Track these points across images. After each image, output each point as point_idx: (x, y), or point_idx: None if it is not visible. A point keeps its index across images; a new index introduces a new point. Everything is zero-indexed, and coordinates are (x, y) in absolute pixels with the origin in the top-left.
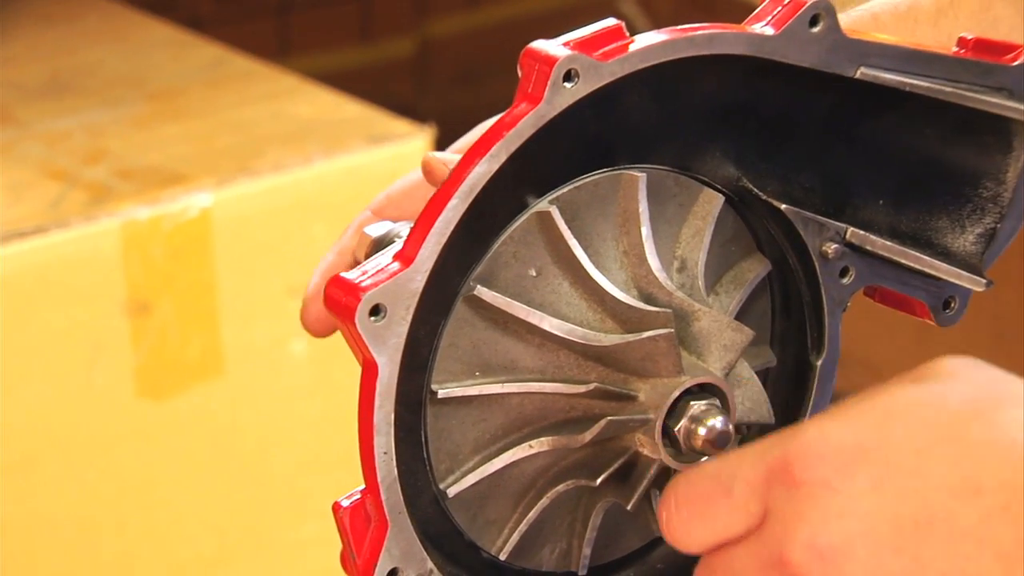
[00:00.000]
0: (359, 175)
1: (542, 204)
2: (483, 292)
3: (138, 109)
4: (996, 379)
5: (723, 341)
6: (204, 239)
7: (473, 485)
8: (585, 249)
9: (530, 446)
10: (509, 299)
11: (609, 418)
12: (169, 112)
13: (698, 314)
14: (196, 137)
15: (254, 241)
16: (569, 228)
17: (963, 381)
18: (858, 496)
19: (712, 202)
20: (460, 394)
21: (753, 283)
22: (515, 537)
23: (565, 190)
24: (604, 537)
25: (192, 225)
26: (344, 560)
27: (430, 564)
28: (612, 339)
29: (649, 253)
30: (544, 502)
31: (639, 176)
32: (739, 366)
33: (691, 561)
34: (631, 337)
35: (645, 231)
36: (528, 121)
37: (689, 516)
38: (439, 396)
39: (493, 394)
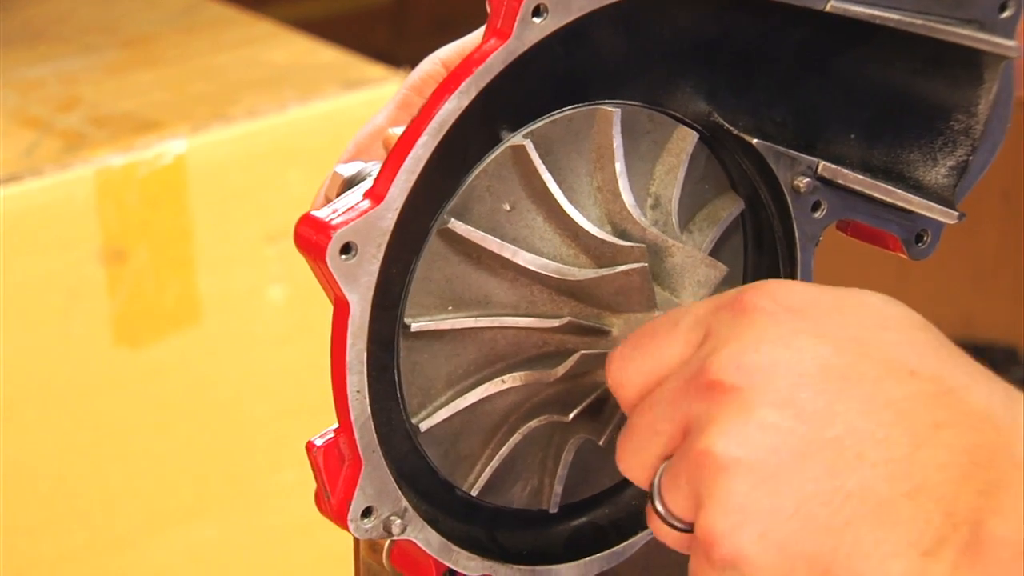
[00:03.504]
0: (334, 120)
1: (516, 138)
2: (457, 225)
3: (112, 56)
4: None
5: (697, 277)
6: (179, 186)
7: (445, 420)
8: (559, 184)
9: (503, 381)
10: (483, 233)
11: (582, 352)
12: (143, 59)
13: (671, 250)
14: (170, 84)
15: (229, 187)
16: (543, 163)
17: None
18: (797, 333)
19: (686, 139)
20: (433, 327)
21: (726, 221)
22: (487, 473)
23: (540, 124)
24: (575, 475)
25: (167, 172)
26: (319, 500)
27: (404, 503)
28: (586, 273)
29: (623, 188)
30: (516, 438)
31: (613, 111)
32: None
33: None
34: (604, 271)
35: (619, 166)
36: (498, 57)
37: (633, 349)
38: (412, 329)
39: (466, 328)
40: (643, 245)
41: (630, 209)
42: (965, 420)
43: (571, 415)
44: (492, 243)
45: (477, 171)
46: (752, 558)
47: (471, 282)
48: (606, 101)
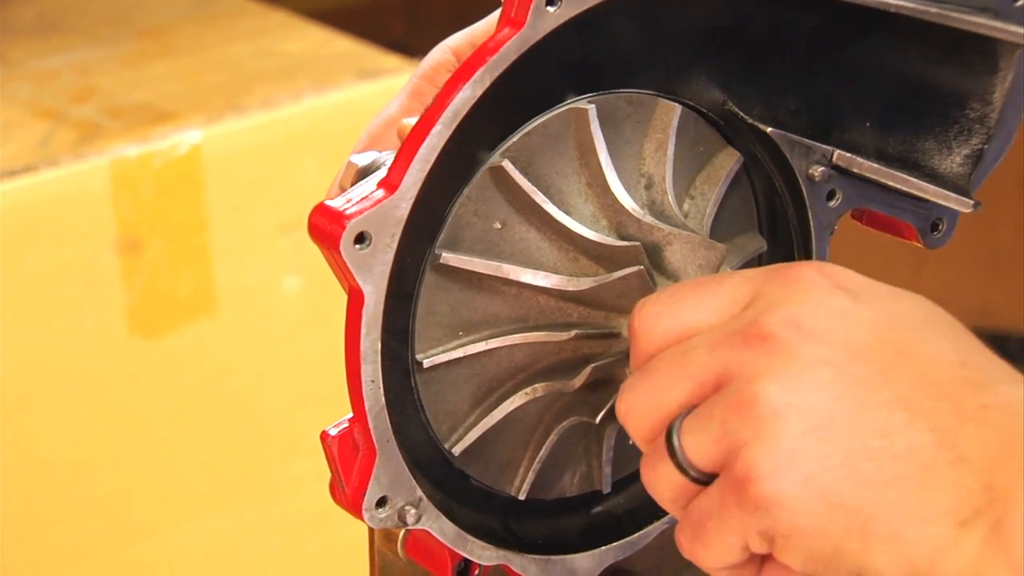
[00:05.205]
0: (349, 110)
1: (494, 159)
2: (450, 259)
3: (126, 47)
4: None
5: (698, 261)
6: (194, 176)
7: (478, 438)
8: (547, 190)
9: (526, 393)
10: (478, 258)
11: (593, 365)
12: (158, 49)
13: (669, 237)
14: (185, 74)
15: (244, 178)
16: (526, 174)
17: None
18: (853, 308)
19: (670, 113)
20: (446, 359)
21: (728, 178)
22: (531, 476)
23: (515, 139)
24: (622, 450)
25: (182, 162)
26: (333, 489)
27: (419, 492)
28: (584, 283)
29: (611, 181)
30: (552, 438)
31: (587, 108)
32: (725, 269)
33: None
34: (602, 279)
35: (604, 159)
36: (511, 46)
37: (671, 299)
38: (425, 366)
39: (480, 352)
40: (638, 243)
41: (622, 202)
42: (1008, 406)
43: (598, 418)
44: (489, 267)
45: (460, 199)
46: (790, 501)
47: (476, 305)
48: (618, 91)
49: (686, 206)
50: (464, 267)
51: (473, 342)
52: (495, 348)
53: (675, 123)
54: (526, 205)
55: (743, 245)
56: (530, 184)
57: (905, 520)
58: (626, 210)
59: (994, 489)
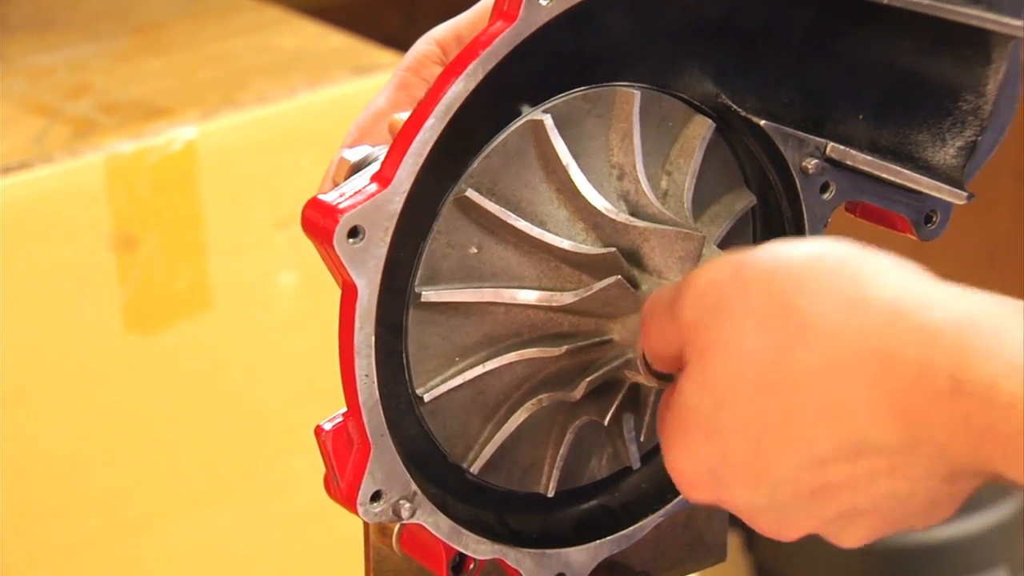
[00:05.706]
0: (344, 106)
1: (457, 189)
2: (431, 295)
3: (121, 43)
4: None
5: (677, 254)
6: (189, 172)
7: (495, 451)
8: (517, 204)
9: (532, 404)
10: (459, 287)
11: (588, 379)
12: (152, 45)
13: (645, 234)
14: (180, 70)
15: (240, 174)
16: (493, 194)
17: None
18: (728, 337)
19: (630, 101)
20: (447, 388)
21: (702, 147)
22: (556, 472)
23: (475, 164)
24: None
25: (177, 158)
26: (328, 484)
27: (413, 486)
28: (566, 297)
29: (580, 185)
30: (569, 436)
31: (542, 118)
32: (708, 252)
33: None
34: (583, 293)
35: (568, 164)
36: (504, 39)
37: (649, 334)
38: (427, 400)
39: (479, 375)
40: (613, 250)
41: (594, 204)
42: (941, 389)
43: (606, 419)
44: (471, 295)
45: (431, 235)
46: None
47: (468, 329)
48: (615, 83)
49: (664, 183)
50: (446, 300)
51: (471, 366)
52: (494, 369)
53: (636, 110)
54: (498, 225)
55: (731, 204)
56: (497, 206)
57: (930, 511)
58: (599, 212)
59: (954, 464)
